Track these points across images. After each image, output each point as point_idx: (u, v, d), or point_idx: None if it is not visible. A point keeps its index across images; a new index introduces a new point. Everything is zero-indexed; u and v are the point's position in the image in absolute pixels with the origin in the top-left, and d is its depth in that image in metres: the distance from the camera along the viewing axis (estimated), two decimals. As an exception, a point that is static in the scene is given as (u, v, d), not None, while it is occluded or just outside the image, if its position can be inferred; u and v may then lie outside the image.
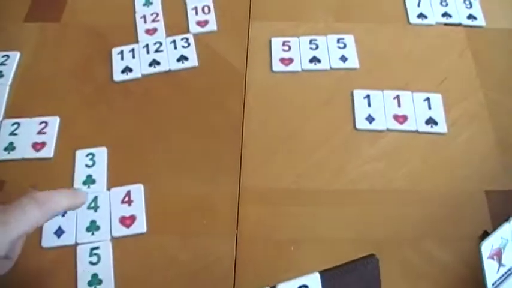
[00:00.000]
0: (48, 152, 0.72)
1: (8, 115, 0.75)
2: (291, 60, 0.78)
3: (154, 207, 0.67)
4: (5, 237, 0.49)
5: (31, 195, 0.52)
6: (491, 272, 0.55)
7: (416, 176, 0.69)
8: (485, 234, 0.58)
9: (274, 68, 0.77)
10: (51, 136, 0.73)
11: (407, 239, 0.65)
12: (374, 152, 0.71)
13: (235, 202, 0.68)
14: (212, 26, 0.82)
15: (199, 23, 0.82)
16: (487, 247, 0.54)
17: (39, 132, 0.73)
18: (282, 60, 0.78)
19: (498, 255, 0.55)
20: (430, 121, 0.72)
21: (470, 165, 0.70)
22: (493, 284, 0.55)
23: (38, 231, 0.66)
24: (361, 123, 0.72)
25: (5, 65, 0.79)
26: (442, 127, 0.72)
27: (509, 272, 0.56)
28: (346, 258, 0.61)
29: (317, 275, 0.49)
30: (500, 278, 0.55)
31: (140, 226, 0.66)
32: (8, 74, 0.78)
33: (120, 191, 0.68)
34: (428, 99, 0.74)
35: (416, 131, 0.72)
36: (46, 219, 0.52)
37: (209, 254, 0.64)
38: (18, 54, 0.80)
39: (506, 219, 0.56)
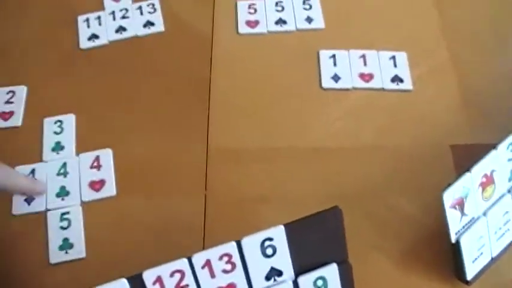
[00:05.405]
0: (16, 120, 0.72)
1: (-28, 86, 0.75)
2: (257, 23, 0.78)
3: (123, 170, 0.68)
4: None
5: None
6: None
7: (382, 132, 0.70)
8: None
9: (240, 31, 0.77)
10: (19, 105, 0.73)
11: (374, 193, 0.66)
12: (341, 110, 0.71)
13: (204, 162, 0.68)
14: (177, -9, 0.81)
15: (163, -12, 0.81)
16: (449, 196, 0.55)
17: (7, 102, 0.73)
18: (248, 22, 0.78)
19: (460, 204, 0.56)
20: (396, 79, 0.73)
21: (436, 121, 0.71)
22: (456, 233, 0.56)
23: (8, 199, 0.66)
24: (327, 82, 0.73)
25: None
26: (407, 84, 0.73)
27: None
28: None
29: (281, 228, 0.49)
30: (463, 227, 0.56)
31: (109, 189, 0.66)
32: (-30, 44, 0.78)
33: (88, 156, 0.69)
34: (393, 57, 0.75)
35: (382, 89, 0.73)
36: None
37: (178, 214, 0.65)
38: (-22, 23, 0.80)
39: (468, 170, 0.57)
